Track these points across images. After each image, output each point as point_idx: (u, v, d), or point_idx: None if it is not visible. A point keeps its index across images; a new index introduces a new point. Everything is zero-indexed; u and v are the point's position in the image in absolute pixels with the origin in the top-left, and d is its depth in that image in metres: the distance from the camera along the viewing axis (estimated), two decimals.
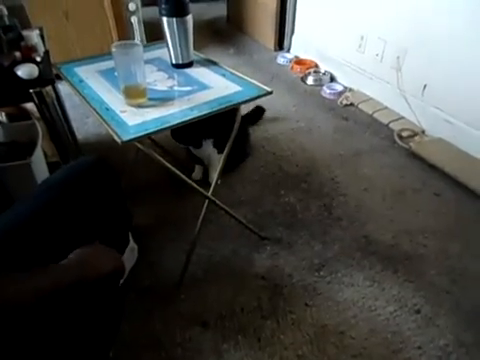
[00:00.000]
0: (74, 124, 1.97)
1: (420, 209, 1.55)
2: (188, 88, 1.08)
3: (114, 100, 1.01)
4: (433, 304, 1.20)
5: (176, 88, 1.09)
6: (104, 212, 0.84)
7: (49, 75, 1.25)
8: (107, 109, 0.97)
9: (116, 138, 0.85)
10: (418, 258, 1.35)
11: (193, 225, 1.26)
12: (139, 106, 0.98)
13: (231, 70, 1.17)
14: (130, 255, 1.24)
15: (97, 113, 0.95)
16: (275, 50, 3.02)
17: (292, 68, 2.72)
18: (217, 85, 1.09)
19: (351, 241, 1.42)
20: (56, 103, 1.52)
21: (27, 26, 1.46)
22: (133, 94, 0.98)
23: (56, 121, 1.30)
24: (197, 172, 1.73)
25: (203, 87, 1.08)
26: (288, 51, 2.97)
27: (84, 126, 2.14)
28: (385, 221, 1.50)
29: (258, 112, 2.11)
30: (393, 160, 1.83)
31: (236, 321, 1.18)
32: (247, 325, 1.16)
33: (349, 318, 1.18)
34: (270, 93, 1.05)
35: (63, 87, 2.34)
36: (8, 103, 1.41)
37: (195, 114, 0.94)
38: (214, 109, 0.97)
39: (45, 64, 1.32)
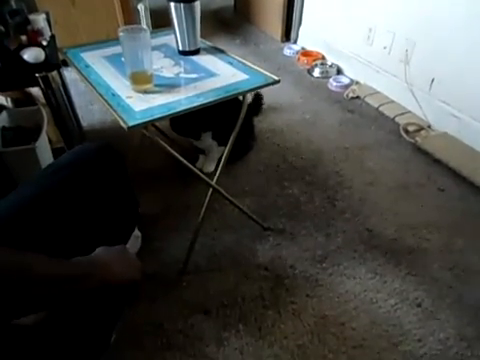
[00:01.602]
0: (79, 111, 1.97)
1: (424, 203, 1.55)
2: (194, 75, 1.07)
3: (120, 86, 1.00)
4: (435, 298, 1.20)
5: (182, 75, 1.08)
6: (111, 196, 0.83)
7: (55, 60, 1.24)
8: (113, 95, 0.96)
9: (122, 124, 0.85)
10: (421, 252, 1.35)
11: (197, 214, 1.26)
12: (145, 92, 0.98)
13: (238, 58, 1.16)
14: (134, 242, 1.24)
15: (103, 99, 0.95)
16: (282, 41, 2.99)
17: (299, 60, 2.69)
18: (224, 73, 1.08)
19: (354, 234, 1.42)
20: (62, 89, 1.52)
21: (34, 10, 1.45)
22: (140, 80, 0.98)
23: (61, 107, 1.30)
24: (201, 161, 1.73)
25: (210, 74, 1.07)
26: (295, 42, 2.95)
27: (89, 113, 2.13)
28: (389, 215, 1.50)
29: (257, 101, 2.09)
30: (398, 154, 1.82)
31: (238, 310, 1.18)
32: (248, 314, 1.17)
33: (350, 310, 1.18)
34: (278, 82, 1.04)
35: (68, 73, 2.34)
36: (14, 87, 1.41)
37: (201, 101, 0.93)
38: (221, 96, 0.96)
39: (51, 48, 1.31)
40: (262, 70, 1.09)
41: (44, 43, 1.33)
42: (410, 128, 1.94)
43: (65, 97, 1.39)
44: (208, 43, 1.27)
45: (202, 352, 1.08)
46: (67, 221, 0.73)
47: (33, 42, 1.31)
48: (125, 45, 0.92)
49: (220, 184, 1.26)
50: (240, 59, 1.16)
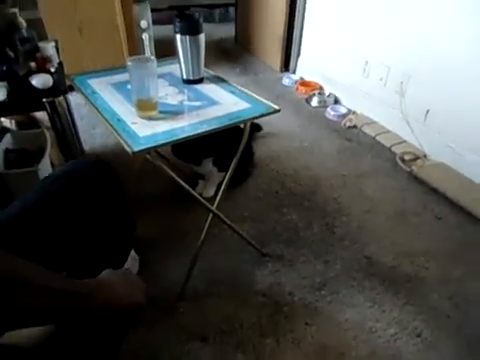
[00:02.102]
0: (81, 135, 2.01)
1: (421, 232, 1.56)
2: (198, 103, 1.11)
3: (126, 112, 1.03)
4: (434, 328, 1.19)
5: (186, 103, 1.12)
6: (105, 212, 0.83)
7: (62, 86, 1.28)
8: (119, 120, 0.99)
9: (127, 148, 0.87)
10: (419, 281, 1.35)
11: (196, 238, 1.27)
12: (150, 118, 1.01)
13: (240, 87, 1.21)
14: (132, 264, 1.24)
15: (109, 124, 0.97)
16: (281, 71, 3.08)
17: (297, 89, 2.77)
18: (226, 101, 1.12)
19: (353, 261, 1.42)
20: (67, 113, 1.56)
21: (43, 38, 1.51)
22: (145, 107, 1.01)
23: (66, 130, 1.33)
24: (200, 186, 1.75)
25: (213, 103, 1.11)
26: (294, 72, 3.04)
27: (91, 137, 2.17)
28: (387, 242, 1.51)
29: (253, 128, 2.14)
30: (395, 182, 1.85)
31: (235, 337, 1.17)
32: (246, 342, 1.15)
33: (349, 339, 1.17)
34: (278, 111, 1.08)
35: (73, 98, 2.40)
36: (21, 111, 1.44)
37: (205, 128, 0.96)
38: (224, 124, 0.99)
39: (59, 75, 1.36)
40: (263, 99, 1.12)
41: (52, 70, 1.38)
42: (406, 157, 1.98)
43: (70, 121, 1.42)
44: (211, 72, 1.32)
45: None
46: (64, 231, 0.73)
47: (41, 68, 1.36)
48: (133, 73, 0.96)
49: (219, 209, 1.27)
50: (242, 88, 1.20)
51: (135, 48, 2.52)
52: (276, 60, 3.11)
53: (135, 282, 0.66)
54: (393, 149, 2.07)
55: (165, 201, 1.69)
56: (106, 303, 0.57)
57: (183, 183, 1.09)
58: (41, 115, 1.91)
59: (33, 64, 1.37)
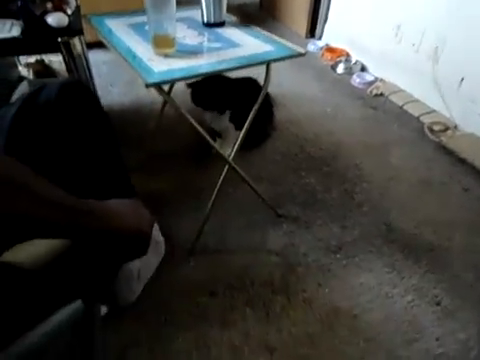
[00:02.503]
0: (99, 92, 1.97)
1: (446, 202, 1.48)
2: (218, 44, 1.04)
3: (142, 50, 0.98)
4: (455, 297, 1.13)
5: (205, 44, 1.05)
6: (89, 142, 0.76)
7: (78, 26, 1.23)
8: (134, 57, 0.94)
9: (141, 80, 0.82)
10: (442, 250, 1.28)
11: (210, 195, 1.22)
12: (167, 56, 0.95)
13: (265, 32, 1.13)
14: (154, 249, 1.18)
15: (125, 59, 0.92)
16: (306, 37, 2.95)
17: (322, 56, 2.65)
18: (248, 44, 1.04)
19: (372, 227, 1.36)
20: (83, 60, 1.51)
21: None
22: (162, 43, 0.95)
23: (81, 77, 1.28)
24: (217, 144, 1.68)
25: (233, 45, 1.04)
26: (319, 39, 2.90)
27: (108, 95, 2.13)
28: (409, 210, 1.43)
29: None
30: (421, 152, 1.75)
31: (245, 293, 1.14)
32: (256, 298, 1.12)
33: (364, 303, 1.12)
34: (303, 54, 1.00)
35: (92, 55, 2.35)
36: (37, 50, 1.40)
37: (224, 66, 0.90)
38: (243, 64, 0.92)
39: (75, 16, 1.30)
40: (288, 43, 1.05)
41: (69, 11, 1.32)
42: (435, 127, 1.87)
43: (85, 68, 1.37)
44: (233, 18, 1.24)
45: (206, 332, 1.03)
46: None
47: (58, 9, 1.30)
48: (149, 6, 0.89)
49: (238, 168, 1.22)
50: (266, 33, 1.12)
51: None
52: (302, 26, 2.97)
53: (142, 212, 0.62)
54: (421, 119, 1.95)
55: (181, 158, 1.65)
56: (108, 225, 0.53)
57: (201, 129, 1.03)
58: (58, 65, 1.87)
59: (49, 5, 1.31)
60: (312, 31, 2.94)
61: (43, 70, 1.75)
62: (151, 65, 0.89)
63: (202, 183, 1.50)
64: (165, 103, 1.50)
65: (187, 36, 1.09)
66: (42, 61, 1.80)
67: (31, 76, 1.72)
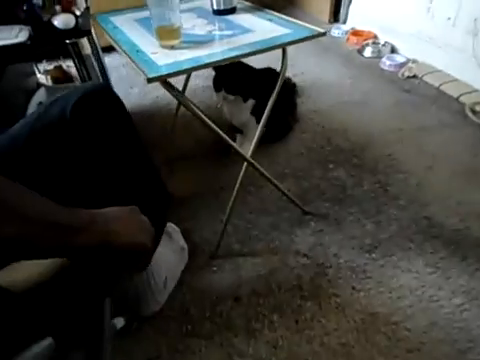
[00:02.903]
0: (119, 95, 1.94)
1: None
2: (229, 32, 0.96)
3: (146, 43, 0.91)
4: None
5: (215, 32, 0.97)
6: (116, 157, 0.72)
7: (86, 26, 1.18)
8: (138, 51, 0.87)
9: (143, 75, 0.75)
10: None
11: (231, 195, 1.14)
12: (172, 48, 0.88)
13: (279, 15, 1.03)
14: (180, 256, 1.13)
15: (127, 54, 0.86)
16: (329, 22, 2.80)
17: (348, 40, 2.49)
18: (262, 28, 0.96)
19: (410, 222, 1.23)
20: (95, 63, 1.48)
21: None
22: (166, 35, 0.88)
23: (93, 78, 1.24)
24: (238, 141, 1.62)
25: (246, 31, 0.95)
26: (344, 22, 2.74)
27: (127, 96, 2.10)
28: (452, 202, 1.29)
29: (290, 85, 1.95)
30: (464, 136, 1.59)
31: (272, 299, 1.05)
32: (284, 305, 1.04)
33: (405, 307, 1.00)
34: (323, 34, 0.89)
35: (110, 59, 2.34)
36: (45, 55, 1.38)
37: (235, 53, 0.82)
38: (257, 49, 0.84)
39: (84, 17, 1.26)
40: (306, 24, 0.95)
41: (77, 12, 1.28)
42: (478, 108, 1.69)
43: (98, 72, 1.33)
44: (246, 2, 1.15)
45: (230, 342, 0.96)
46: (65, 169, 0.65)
47: (67, 11, 1.27)
48: None
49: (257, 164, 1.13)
50: (281, 15, 1.03)
51: None
52: (324, 11, 2.82)
53: (141, 222, 0.55)
54: (462, 99, 1.77)
55: (199, 158, 1.59)
56: (103, 238, 0.47)
57: (215, 127, 0.95)
58: (75, 72, 1.86)
59: (58, 7, 1.28)
60: (335, 15, 2.79)
61: (61, 76, 1.74)
62: (154, 58, 0.83)
63: (223, 182, 1.43)
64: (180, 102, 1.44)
65: (196, 26, 1.02)
66: (60, 67, 1.79)
67: (49, 83, 1.72)
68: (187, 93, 2.02)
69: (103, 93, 0.71)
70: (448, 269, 1.08)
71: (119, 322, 0.90)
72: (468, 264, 1.09)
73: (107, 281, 0.59)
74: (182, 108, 1.47)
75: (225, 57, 0.81)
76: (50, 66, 1.86)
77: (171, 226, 1.22)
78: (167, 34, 0.88)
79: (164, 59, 0.82)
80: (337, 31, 2.61)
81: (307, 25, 0.94)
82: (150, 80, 0.74)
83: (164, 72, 0.76)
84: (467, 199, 1.30)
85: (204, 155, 1.58)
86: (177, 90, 0.91)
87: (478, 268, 1.08)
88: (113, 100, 0.73)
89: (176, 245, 1.15)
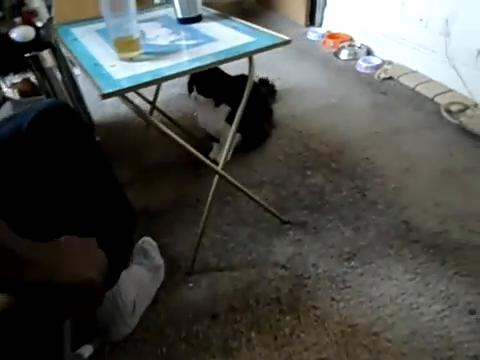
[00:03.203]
0: (91, 105, 1.88)
1: (473, 191, 1.31)
2: (193, 42, 0.92)
3: (106, 55, 0.87)
4: None
5: (179, 42, 0.94)
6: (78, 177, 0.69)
7: (47, 38, 1.14)
8: (96, 64, 0.83)
9: (97, 92, 0.71)
10: (472, 248, 1.12)
11: (211, 205, 1.11)
12: (132, 60, 0.84)
13: (244, 22, 1.00)
14: (154, 275, 1.09)
15: (83, 68, 0.82)
16: (306, 26, 2.79)
17: (324, 43, 2.49)
18: (226, 37, 0.93)
19: (389, 227, 1.22)
20: (60, 75, 1.43)
21: None
22: (125, 47, 0.84)
23: (57, 91, 1.19)
24: (215, 151, 1.58)
25: (210, 40, 0.92)
26: (320, 26, 2.74)
27: (102, 106, 2.04)
28: (430, 205, 1.28)
29: (269, 87, 1.93)
30: (440, 137, 1.58)
31: (250, 315, 1.02)
32: (262, 320, 1.00)
33: (385, 317, 0.98)
34: (288, 42, 0.87)
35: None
36: (6, 70, 1.32)
37: (195, 65, 0.78)
38: (220, 59, 0.81)
39: (46, 29, 1.22)
40: (270, 31, 0.92)
41: (39, 24, 1.24)
42: (453, 108, 1.70)
43: (61, 85, 1.27)
44: (212, 10, 1.12)
45: None
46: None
47: (28, 23, 1.22)
48: (105, 7, 0.79)
49: (234, 174, 1.10)
50: (246, 22, 1.00)
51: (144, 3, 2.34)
52: (300, 14, 2.81)
53: (92, 256, 0.51)
54: (437, 100, 1.78)
55: (175, 168, 1.55)
56: (48, 275, 0.43)
57: (181, 141, 0.91)
58: None
59: (18, 19, 1.23)
60: (311, 18, 2.79)
61: (30, 89, 1.68)
62: (112, 72, 0.79)
63: (199, 194, 1.39)
64: (151, 111, 1.40)
65: (160, 36, 0.98)
66: (28, 79, 1.73)
67: (17, 96, 1.65)
68: (162, 101, 1.99)
69: (61, 110, 0.70)
70: (427, 274, 1.07)
71: (87, 350, 0.85)
72: (447, 268, 1.07)
73: (57, 318, 0.55)
74: (152, 116, 1.44)
75: (186, 69, 0.77)
76: (18, 79, 1.80)
77: (148, 241, 1.18)
78: (125, 46, 0.84)
79: (122, 72, 0.79)
80: (313, 34, 2.60)
81: (271, 33, 0.91)
82: (105, 96, 0.70)
83: (121, 87, 0.72)
84: (445, 201, 1.29)
85: (180, 165, 1.54)
86: (148, 100, 0.87)
87: (457, 272, 1.06)
88: (71, 117, 0.70)
89: (151, 263, 1.10)
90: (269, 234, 1.24)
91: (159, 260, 1.14)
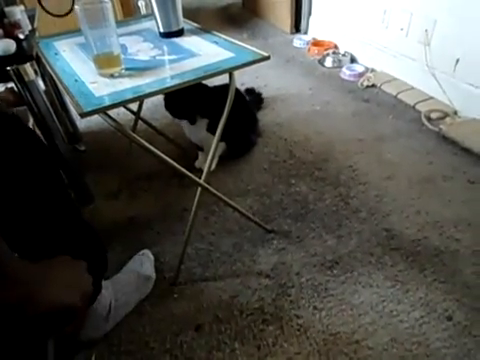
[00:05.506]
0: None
1: (452, 198, 1.35)
2: (174, 57, 0.94)
3: (87, 71, 0.88)
4: (468, 310, 1.01)
5: (160, 57, 0.95)
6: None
7: (29, 51, 1.13)
8: (76, 81, 0.84)
9: (77, 110, 0.72)
10: (450, 255, 1.15)
11: (194, 217, 1.12)
12: (112, 77, 0.85)
13: (225, 37, 1.02)
14: (141, 284, 1.10)
15: (64, 86, 0.82)
16: (291, 33, 2.83)
17: (309, 50, 2.53)
18: (207, 52, 0.94)
19: (370, 235, 1.24)
20: (46, 84, 1.43)
21: (13, 3, 1.36)
22: (105, 63, 0.85)
23: (39, 104, 1.19)
24: (201, 160, 1.59)
25: (191, 55, 0.93)
26: (305, 33, 2.78)
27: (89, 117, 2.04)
28: (411, 212, 1.31)
29: (256, 96, 1.95)
30: (420, 144, 1.62)
31: (234, 325, 1.03)
32: (246, 330, 1.01)
33: (366, 325, 1.00)
34: (267, 58, 0.88)
35: None
36: None
37: (175, 82, 0.80)
38: (199, 76, 0.82)
39: (28, 41, 1.21)
40: (251, 47, 0.94)
41: (21, 36, 1.23)
42: (433, 115, 1.74)
43: (43, 97, 1.26)
44: (194, 24, 1.14)
45: None
46: None
47: (10, 35, 1.22)
48: (84, 23, 0.79)
49: (221, 183, 1.11)
50: (227, 38, 1.01)
51: (131, 15, 2.35)
52: (286, 22, 2.85)
53: (73, 279, 0.51)
54: (417, 107, 1.82)
55: (161, 177, 1.55)
56: (27, 297, 0.43)
57: (160, 153, 0.93)
58: None
59: (0, 32, 1.23)
60: (297, 26, 2.83)
61: (13, 99, 1.67)
62: (93, 89, 0.80)
63: (186, 203, 1.40)
64: (136, 121, 1.41)
65: (141, 51, 0.99)
66: (12, 89, 1.72)
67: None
68: (147, 108, 2.00)
69: (10, 124, 0.68)
70: (407, 282, 1.09)
71: None
72: (425, 276, 1.10)
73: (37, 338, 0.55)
74: (140, 126, 1.44)
75: (165, 86, 0.79)
76: (1, 88, 1.79)
77: (147, 253, 1.20)
78: (106, 62, 0.85)
79: (103, 89, 0.79)
80: (299, 42, 2.64)
81: (251, 48, 0.93)
82: (84, 115, 0.71)
83: (100, 105, 0.73)
84: (424, 208, 1.32)
85: (167, 174, 1.55)
86: (137, 112, 0.88)
87: (436, 279, 1.09)
88: (21, 131, 0.69)
89: (143, 273, 1.11)
90: (254, 243, 1.25)
91: (152, 273, 1.14)
